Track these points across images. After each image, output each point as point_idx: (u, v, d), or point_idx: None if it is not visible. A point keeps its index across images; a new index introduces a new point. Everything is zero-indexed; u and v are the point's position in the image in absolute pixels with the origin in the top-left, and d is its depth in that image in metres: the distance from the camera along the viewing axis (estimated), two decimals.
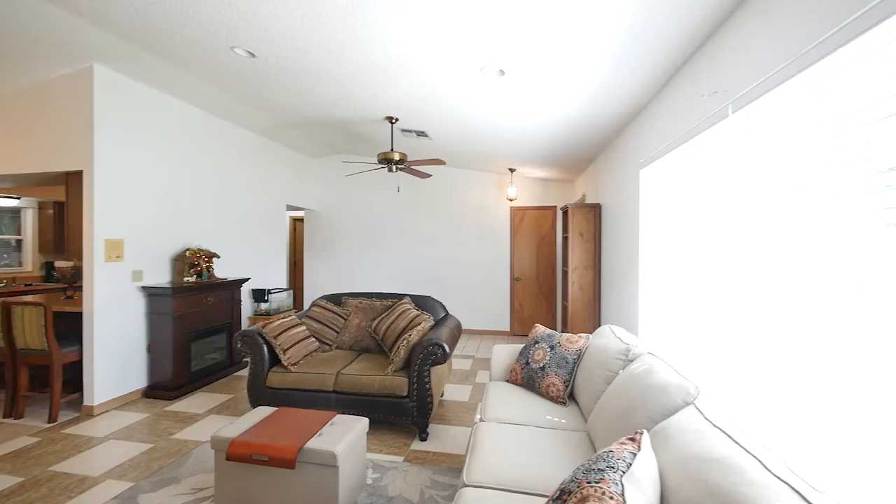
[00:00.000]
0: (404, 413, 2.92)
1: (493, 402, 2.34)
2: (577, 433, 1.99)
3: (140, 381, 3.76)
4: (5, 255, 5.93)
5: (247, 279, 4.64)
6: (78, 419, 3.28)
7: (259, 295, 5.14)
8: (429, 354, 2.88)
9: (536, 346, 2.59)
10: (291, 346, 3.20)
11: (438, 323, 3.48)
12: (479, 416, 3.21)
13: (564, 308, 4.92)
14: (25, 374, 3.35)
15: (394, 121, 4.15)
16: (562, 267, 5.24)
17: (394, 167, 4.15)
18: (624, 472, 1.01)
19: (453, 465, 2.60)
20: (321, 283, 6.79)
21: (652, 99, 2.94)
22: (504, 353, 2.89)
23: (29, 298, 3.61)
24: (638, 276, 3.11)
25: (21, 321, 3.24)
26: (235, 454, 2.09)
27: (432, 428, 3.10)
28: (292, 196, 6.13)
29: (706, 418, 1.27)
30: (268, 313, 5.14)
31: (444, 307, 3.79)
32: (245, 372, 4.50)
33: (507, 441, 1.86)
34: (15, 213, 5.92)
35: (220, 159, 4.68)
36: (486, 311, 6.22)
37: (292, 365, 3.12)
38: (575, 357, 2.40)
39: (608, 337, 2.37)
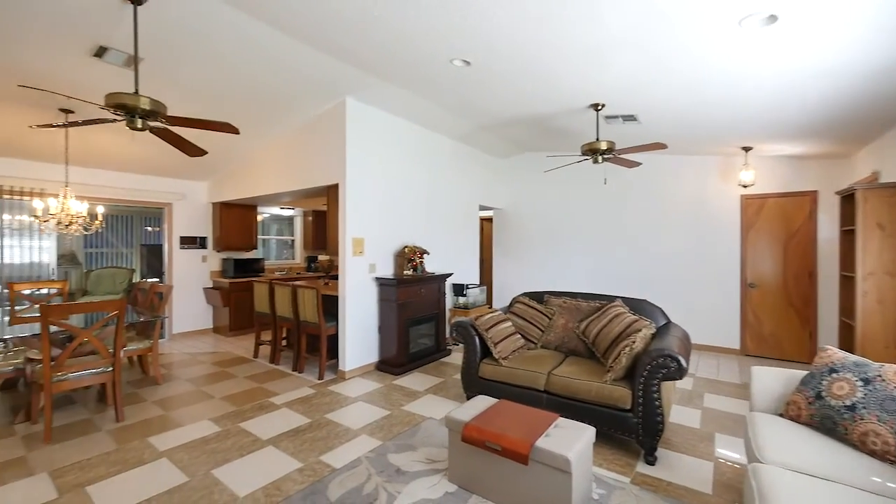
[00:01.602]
0: (626, 428, 2.61)
1: (772, 441, 1.82)
2: None
3: (373, 356, 4.51)
4: (284, 251, 8.08)
5: (450, 274, 5.06)
6: (335, 380, 4.14)
7: (458, 289, 5.55)
8: (659, 367, 2.50)
9: (834, 375, 1.92)
10: (501, 340, 3.27)
11: (660, 331, 3.01)
12: (741, 455, 2.62)
13: (846, 327, 3.65)
14: (305, 340, 4.42)
15: (599, 108, 3.82)
16: (839, 271, 3.89)
17: (600, 158, 3.83)
18: None
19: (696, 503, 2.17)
20: (509, 280, 6.93)
21: None
22: (771, 379, 2.26)
23: (302, 283, 4.74)
24: None
25: (303, 300, 4.28)
26: (470, 437, 2.21)
27: (660, 452, 2.69)
28: (483, 196, 6.43)
29: None
30: (465, 307, 5.51)
31: (664, 313, 3.28)
32: (449, 359, 4.91)
33: (823, 501, 1.39)
34: (290, 220, 8.01)
35: (425, 166, 5.23)
36: (704, 321, 5.20)
37: (503, 359, 3.19)
38: None
39: None
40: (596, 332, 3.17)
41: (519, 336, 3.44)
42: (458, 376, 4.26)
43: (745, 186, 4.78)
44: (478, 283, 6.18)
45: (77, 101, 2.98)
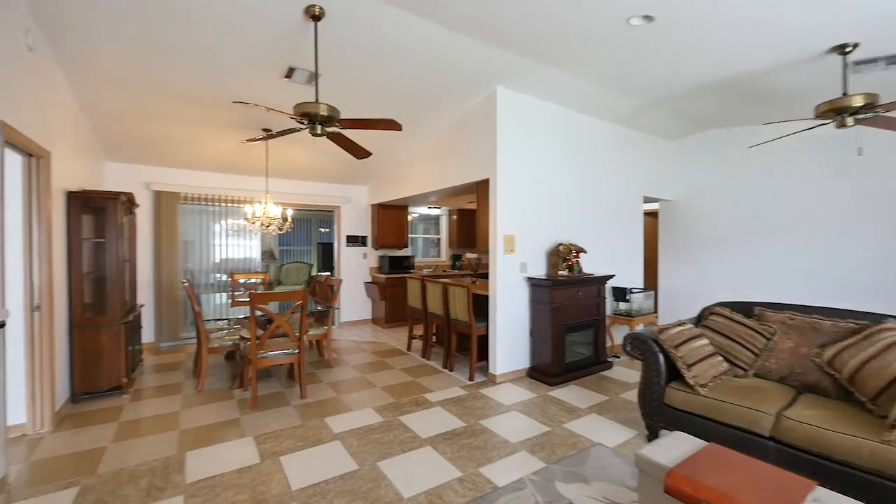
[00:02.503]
0: None
1: None
2: None
3: (523, 361, 4.20)
4: (431, 249, 8.43)
5: (612, 276, 4.42)
6: (486, 383, 3.96)
7: (619, 293, 4.83)
8: None
9: None
10: (697, 363, 2.58)
11: None
12: None
13: None
14: (455, 338, 4.38)
15: (847, 50, 2.75)
16: None
17: (849, 119, 2.75)
18: None
19: None
20: (679, 285, 5.82)
21: None
22: None
23: (453, 281, 4.71)
24: None
25: (453, 298, 4.23)
26: (678, 491, 1.69)
27: None
28: (648, 186, 5.51)
29: None
30: (628, 314, 4.76)
31: None
32: (611, 374, 4.28)
33: None
34: (436, 219, 8.31)
35: (581, 154, 4.68)
36: None
37: (700, 386, 2.51)
38: None
39: None
40: (856, 364, 2.23)
41: (721, 358, 2.68)
42: (627, 396, 3.63)
43: None
44: (641, 286, 5.32)
45: (274, 112, 3.44)
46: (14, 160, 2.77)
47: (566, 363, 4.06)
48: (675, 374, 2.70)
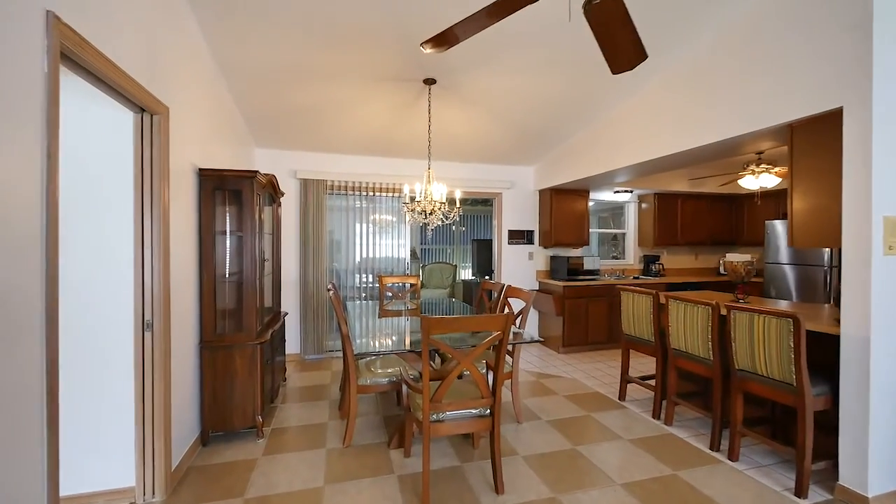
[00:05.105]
0: None
1: None
2: None
3: None
4: (611, 250, 6.47)
5: None
6: None
7: None
8: None
9: None
10: None
11: None
12: None
13: None
14: (740, 403, 2.48)
15: None
16: None
17: None
18: None
19: None
20: None
21: None
22: None
23: (756, 307, 2.80)
24: None
25: (751, 334, 2.34)
26: None
27: None
28: None
29: None
30: None
31: None
32: None
33: None
34: (617, 209, 6.32)
35: None
36: None
37: None
38: None
39: None
40: None
41: None
42: None
43: None
44: None
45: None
46: (124, 119, 1.94)
47: None
48: None
